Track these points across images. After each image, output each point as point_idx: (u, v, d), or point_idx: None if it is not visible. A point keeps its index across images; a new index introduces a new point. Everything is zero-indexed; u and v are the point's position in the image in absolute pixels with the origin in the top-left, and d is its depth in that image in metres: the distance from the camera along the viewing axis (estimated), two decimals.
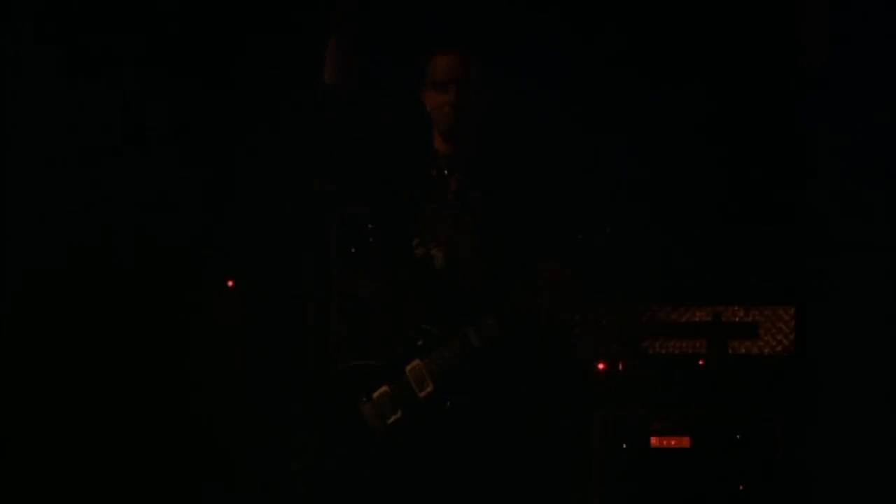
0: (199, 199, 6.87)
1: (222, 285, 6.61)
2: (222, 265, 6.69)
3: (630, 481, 6.38)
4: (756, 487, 6.34)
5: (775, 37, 6.88)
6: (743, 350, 6.50)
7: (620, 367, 6.47)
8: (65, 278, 6.65)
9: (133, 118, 6.90)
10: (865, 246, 6.79)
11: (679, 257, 6.76)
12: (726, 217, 6.91)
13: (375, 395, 4.41)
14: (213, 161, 6.89)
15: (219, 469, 6.50)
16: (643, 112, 6.90)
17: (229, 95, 6.90)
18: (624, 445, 6.37)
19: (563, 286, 4.27)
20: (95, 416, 6.51)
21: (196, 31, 6.89)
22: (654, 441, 6.39)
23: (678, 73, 6.90)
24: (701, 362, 6.51)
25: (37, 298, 6.61)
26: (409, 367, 4.34)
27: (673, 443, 6.37)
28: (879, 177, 6.80)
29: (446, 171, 4.54)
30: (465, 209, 4.49)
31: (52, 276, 6.66)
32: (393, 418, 4.35)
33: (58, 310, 6.59)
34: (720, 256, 6.87)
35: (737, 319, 6.52)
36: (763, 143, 6.92)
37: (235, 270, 6.64)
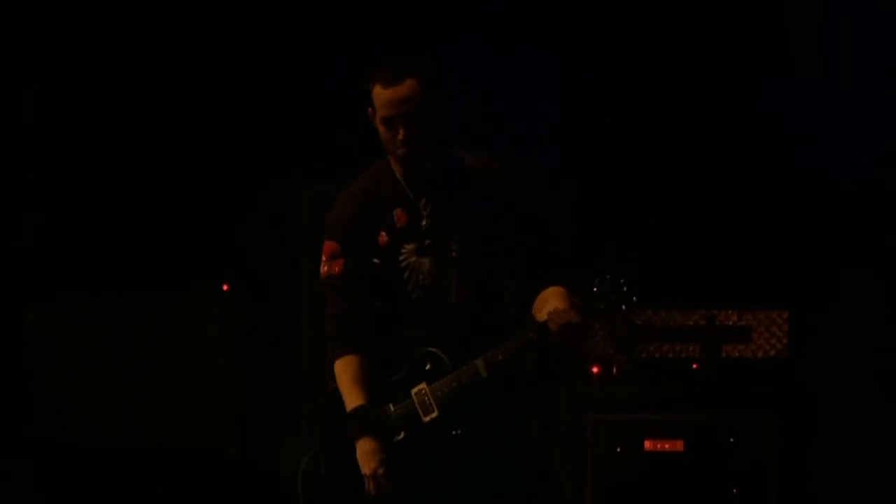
0: (196, 204, 6.89)
1: (217, 289, 6.62)
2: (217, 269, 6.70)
3: (624, 485, 6.39)
4: (749, 491, 6.36)
5: (765, 43, 6.91)
6: (736, 354, 6.51)
7: (615, 371, 6.48)
8: (60, 279, 6.65)
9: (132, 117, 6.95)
10: (859, 249, 6.81)
11: (672, 261, 6.78)
12: (719, 221, 6.92)
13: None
14: (213, 166, 6.92)
15: (211, 471, 6.51)
16: (634, 115, 6.92)
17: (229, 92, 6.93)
18: (618, 449, 6.38)
19: (573, 330, 4.18)
20: (90, 413, 6.53)
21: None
22: (647, 444, 6.39)
23: (668, 77, 6.92)
24: (695, 366, 6.52)
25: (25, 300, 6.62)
26: (414, 390, 4.30)
27: (667, 446, 6.38)
28: (873, 180, 6.82)
29: (412, 198, 4.39)
30: (443, 230, 4.37)
31: (47, 275, 6.68)
32: (396, 439, 4.30)
33: (51, 311, 6.60)
34: (713, 260, 6.88)
35: (730, 323, 6.53)
36: (756, 147, 6.93)
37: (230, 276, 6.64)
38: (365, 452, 4.32)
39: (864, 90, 6.76)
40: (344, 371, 4.41)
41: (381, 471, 4.28)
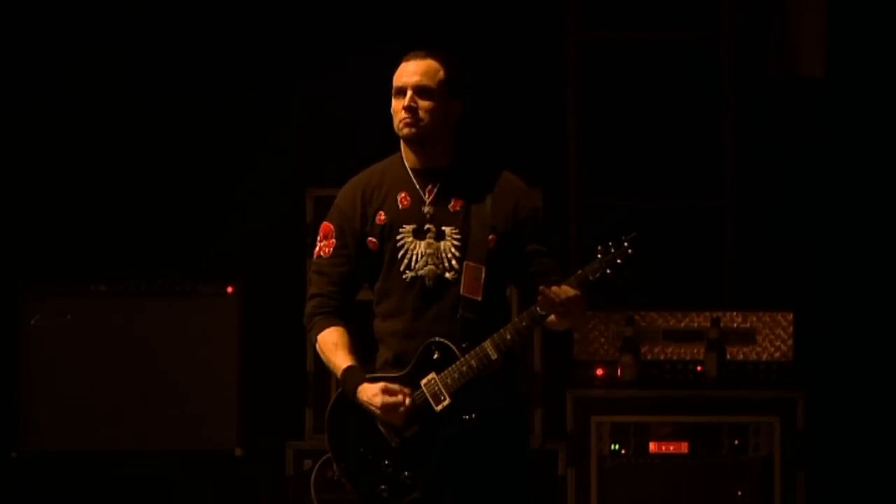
0: (201, 207, 6.90)
1: (221, 291, 6.62)
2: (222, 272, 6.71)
3: (628, 487, 6.39)
4: (754, 494, 6.35)
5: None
6: (741, 356, 6.51)
7: (619, 373, 6.48)
8: (64, 282, 6.66)
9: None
10: (864, 251, 6.81)
11: (677, 263, 6.78)
12: (723, 223, 6.93)
13: None
14: (218, 169, 6.93)
15: (216, 473, 6.52)
16: (642, 110, 6.94)
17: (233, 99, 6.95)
18: (623, 451, 6.38)
19: (571, 305, 4.19)
20: (95, 416, 6.53)
21: None
22: (652, 447, 6.39)
23: (658, 77, 6.95)
24: (699, 368, 6.52)
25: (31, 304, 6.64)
26: (424, 381, 4.30)
27: (671, 448, 6.38)
28: (879, 182, 6.83)
29: (417, 186, 4.41)
30: (445, 221, 4.37)
31: (50, 279, 6.69)
32: (409, 432, 4.30)
33: (54, 314, 6.61)
34: (718, 262, 6.89)
35: (735, 325, 6.53)
36: (758, 148, 6.94)
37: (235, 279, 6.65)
38: (370, 396, 4.31)
39: (866, 90, 6.77)
40: (328, 339, 4.41)
41: (392, 398, 4.27)
